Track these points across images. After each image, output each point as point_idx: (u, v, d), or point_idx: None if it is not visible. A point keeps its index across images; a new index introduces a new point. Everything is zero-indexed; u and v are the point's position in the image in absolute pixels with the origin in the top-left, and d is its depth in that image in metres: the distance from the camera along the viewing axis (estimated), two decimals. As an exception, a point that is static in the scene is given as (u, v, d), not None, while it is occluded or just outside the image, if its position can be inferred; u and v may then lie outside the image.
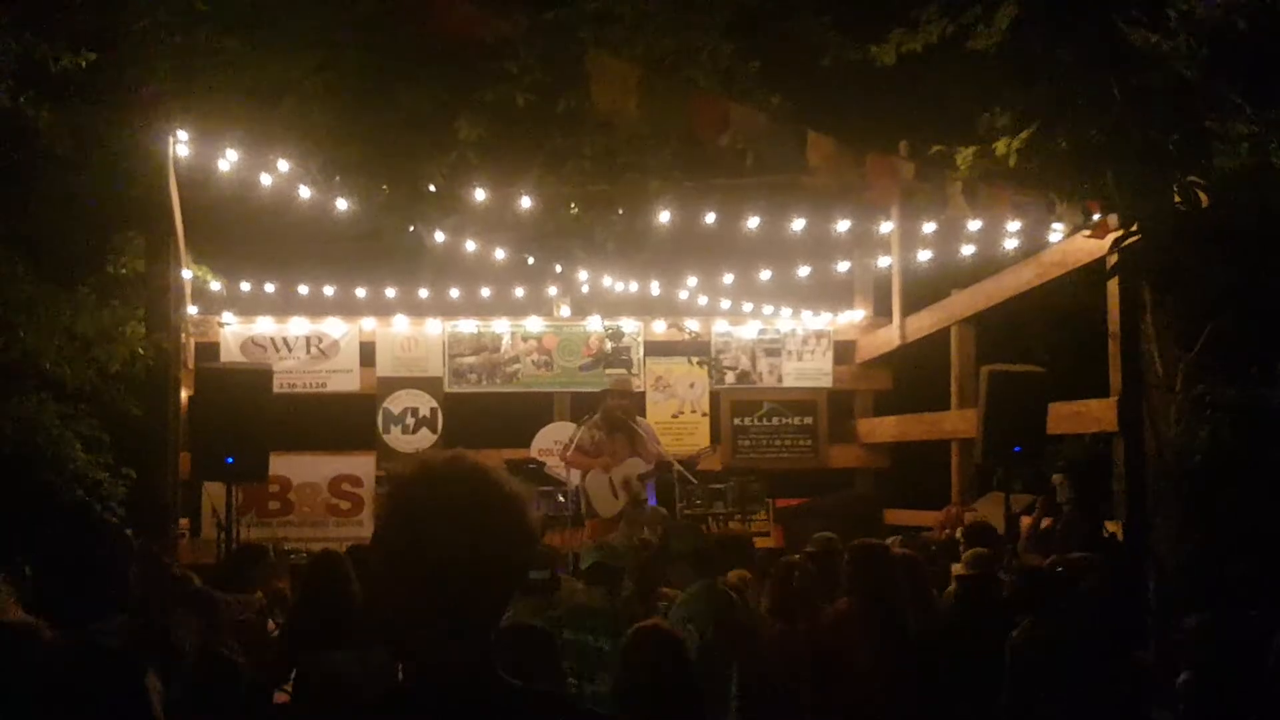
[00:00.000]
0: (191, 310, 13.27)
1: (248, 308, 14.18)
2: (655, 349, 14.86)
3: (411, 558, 2.27)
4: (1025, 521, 10.90)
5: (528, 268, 13.68)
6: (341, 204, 11.24)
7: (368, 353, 14.36)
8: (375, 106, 10.35)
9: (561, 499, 12.18)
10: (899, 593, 6.54)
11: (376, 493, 2.67)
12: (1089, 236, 9.69)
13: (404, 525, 2.30)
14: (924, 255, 13.37)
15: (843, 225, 12.85)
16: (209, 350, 13.94)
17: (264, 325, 14.16)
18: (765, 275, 14.71)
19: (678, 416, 14.76)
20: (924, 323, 13.61)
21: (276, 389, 11.12)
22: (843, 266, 14.99)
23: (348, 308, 14.40)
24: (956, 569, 8.18)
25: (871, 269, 15.00)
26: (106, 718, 3.81)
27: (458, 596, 2.25)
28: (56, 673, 3.84)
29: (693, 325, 14.78)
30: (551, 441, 13.88)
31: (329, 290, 14.33)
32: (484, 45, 9.31)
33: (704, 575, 6.79)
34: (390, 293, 14.45)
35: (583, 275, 14.02)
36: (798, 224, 12.65)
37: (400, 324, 14.36)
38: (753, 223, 12.59)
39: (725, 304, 15.05)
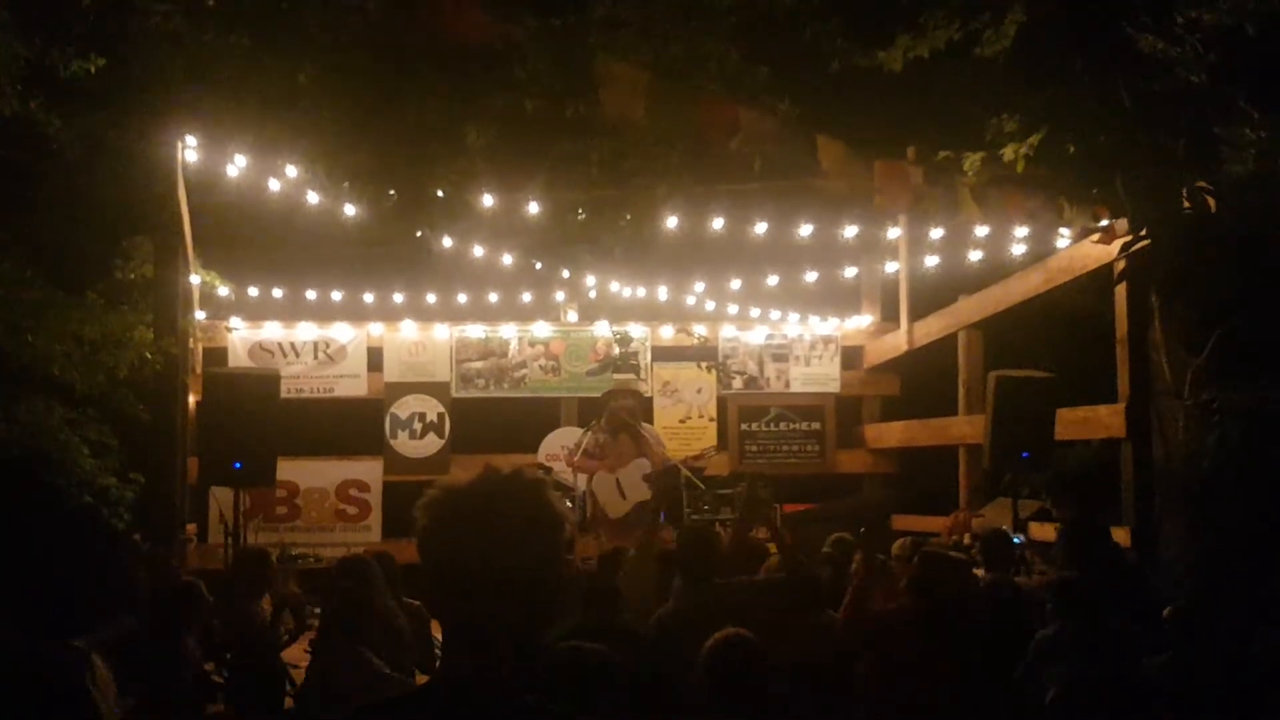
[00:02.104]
0: (199, 315, 13.28)
1: (255, 313, 14.19)
2: (663, 354, 14.86)
3: (454, 566, 2.28)
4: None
5: (535, 273, 13.68)
6: (349, 209, 11.25)
7: (375, 358, 14.37)
8: (383, 112, 10.36)
9: (569, 504, 12.19)
10: (961, 600, 6.61)
11: (427, 496, 2.65)
12: (1097, 242, 9.70)
13: (451, 533, 2.31)
14: (931, 260, 13.36)
15: (850, 230, 12.83)
16: (217, 355, 13.95)
17: (272, 330, 14.18)
18: (773, 280, 14.70)
19: (685, 421, 14.76)
20: (932, 328, 13.60)
21: (284, 394, 11.13)
22: (850, 272, 14.98)
23: (355, 313, 14.41)
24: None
25: (879, 274, 15.00)
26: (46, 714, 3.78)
27: (491, 610, 2.26)
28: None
29: (700, 330, 14.79)
30: (559, 447, 13.89)
31: (337, 295, 14.33)
32: (492, 51, 9.32)
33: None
34: (398, 298, 14.45)
35: (590, 280, 14.01)
36: (806, 229, 12.64)
37: (408, 329, 14.37)
38: (760, 228, 12.58)
39: (733, 309, 15.04)
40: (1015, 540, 9.86)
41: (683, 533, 7.64)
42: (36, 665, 3.82)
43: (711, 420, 14.83)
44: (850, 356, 15.21)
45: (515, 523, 2.27)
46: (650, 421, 13.64)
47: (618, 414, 12.03)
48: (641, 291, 14.33)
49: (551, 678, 4.55)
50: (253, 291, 14.07)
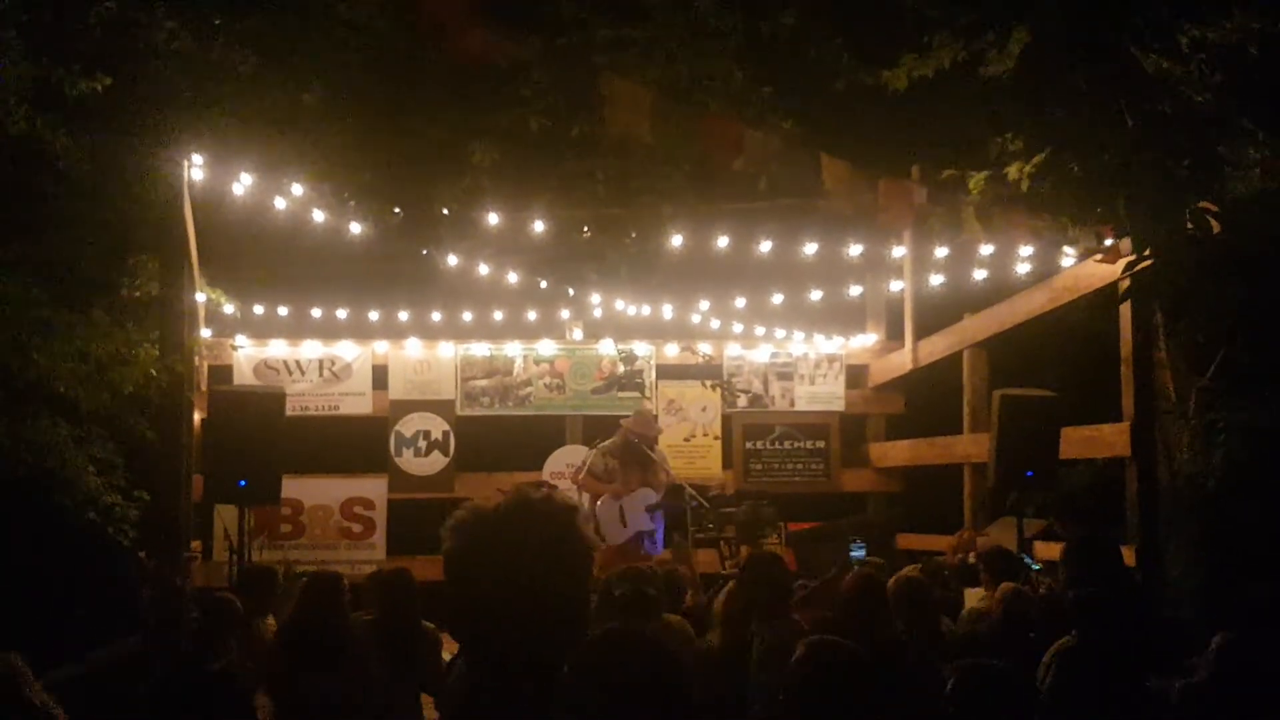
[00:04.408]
0: (205, 333, 13.30)
1: (261, 330, 14.21)
2: (667, 372, 14.85)
3: (479, 588, 2.27)
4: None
5: (540, 291, 13.71)
6: (355, 227, 11.28)
7: (380, 375, 14.36)
8: (389, 131, 10.41)
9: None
10: (890, 620, 6.59)
11: (455, 518, 2.59)
12: (1101, 261, 9.70)
13: (479, 556, 2.29)
14: (936, 279, 13.36)
15: (855, 249, 12.85)
16: (222, 373, 13.96)
17: (277, 348, 14.19)
18: (777, 299, 14.71)
19: (690, 440, 14.75)
20: (936, 347, 13.60)
21: (289, 412, 11.14)
22: (855, 290, 14.98)
23: (360, 330, 14.42)
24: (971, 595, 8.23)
25: (884, 293, 14.98)
26: None
27: (515, 633, 2.25)
28: (168, 702, 3.82)
29: (705, 349, 14.76)
30: (564, 464, 13.88)
31: (342, 313, 14.34)
32: (498, 70, 9.37)
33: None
34: (403, 316, 14.46)
35: (595, 299, 14.04)
36: (810, 248, 12.66)
37: (413, 347, 14.37)
38: (765, 246, 12.60)
39: (737, 327, 15.04)
40: (1035, 568, 9.87)
41: (750, 561, 7.64)
42: (211, 698, 3.83)
43: (716, 439, 14.82)
44: (855, 375, 15.19)
45: (544, 548, 2.26)
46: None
47: (629, 441, 11.99)
48: (646, 310, 14.34)
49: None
50: (258, 309, 14.09)
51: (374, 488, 14.13)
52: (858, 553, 11.32)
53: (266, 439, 10.09)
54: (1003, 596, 7.59)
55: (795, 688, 4.45)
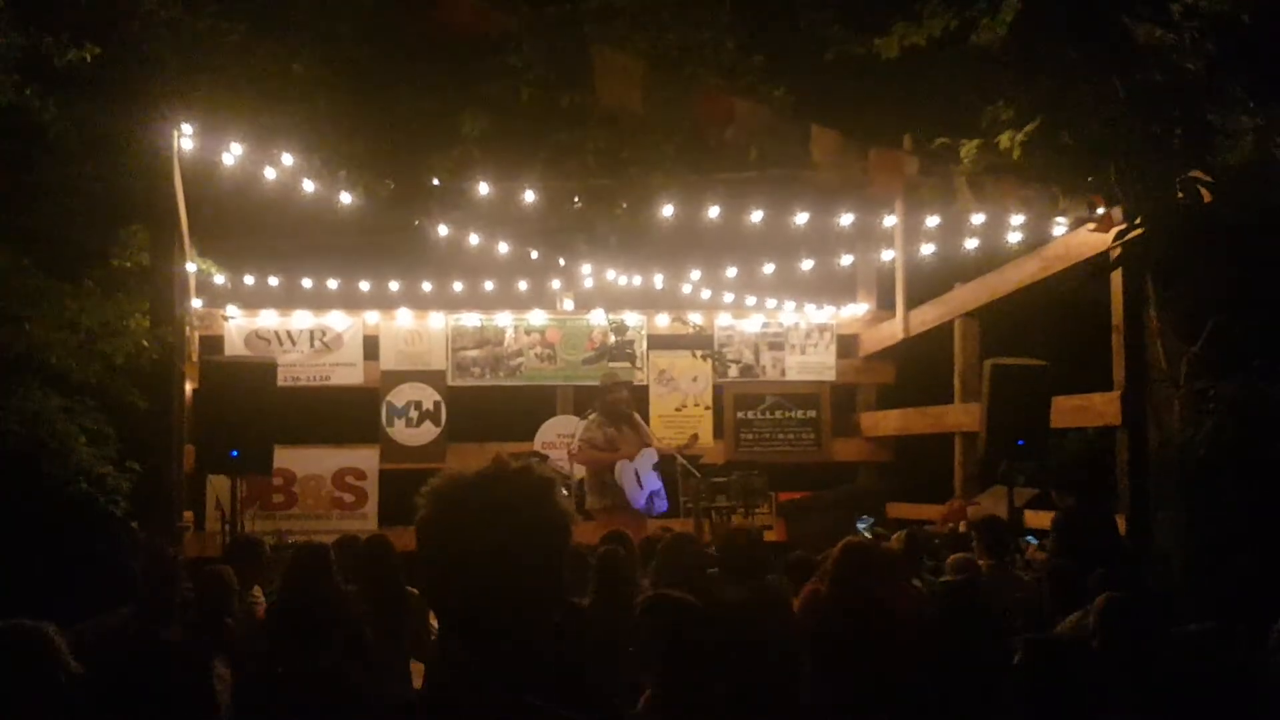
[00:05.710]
0: (196, 303, 13.27)
1: (252, 301, 14.18)
2: (658, 342, 14.85)
3: (451, 555, 2.26)
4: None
5: (531, 261, 13.70)
6: (345, 198, 11.25)
7: (371, 346, 14.35)
8: (379, 101, 10.38)
9: (565, 492, 12.17)
10: (880, 588, 6.65)
11: (430, 484, 2.64)
12: (1092, 230, 9.70)
13: (451, 523, 2.28)
14: (927, 249, 13.37)
15: (846, 219, 12.85)
16: (213, 343, 13.93)
17: (268, 318, 14.16)
18: (769, 269, 14.71)
19: (681, 410, 14.76)
20: (927, 316, 13.61)
21: (280, 382, 11.12)
22: (846, 260, 14.98)
23: (351, 301, 14.39)
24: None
25: (875, 262, 14.99)
26: (173, 711, 3.78)
27: (486, 603, 2.24)
28: (121, 668, 3.80)
29: (696, 319, 14.78)
30: (554, 435, 13.89)
31: (333, 283, 14.32)
32: (488, 40, 9.32)
33: None
34: (394, 286, 14.45)
35: (586, 269, 14.04)
36: (801, 218, 12.65)
37: (404, 317, 14.36)
38: (756, 216, 12.59)
39: (728, 297, 15.04)
40: (1033, 541, 9.90)
41: (725, 534, 7.70)
42: (165, 665, 3.81)
43: (707, 409, 14.82)
44: (846, 345, 15.21)
45: (517, 518, 2.25)
46: (646, 409, 13.66)
47: (616, 405, 12.04)
48: (637, 280, 14.34)
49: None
50: (249, 279, 14.05)
51: (366, 458, 14.14)
52: (863, 525, 11.40)
53: (258, 409, 10.08)
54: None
55: (638, 640, 4.85)
